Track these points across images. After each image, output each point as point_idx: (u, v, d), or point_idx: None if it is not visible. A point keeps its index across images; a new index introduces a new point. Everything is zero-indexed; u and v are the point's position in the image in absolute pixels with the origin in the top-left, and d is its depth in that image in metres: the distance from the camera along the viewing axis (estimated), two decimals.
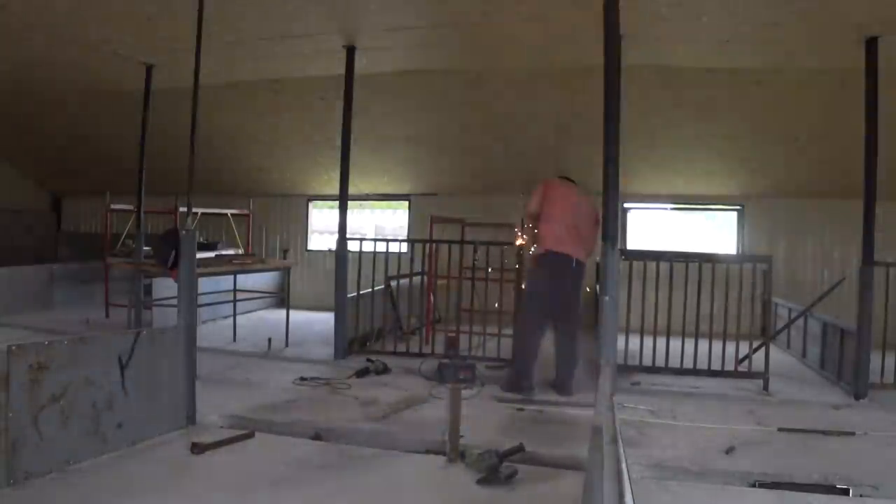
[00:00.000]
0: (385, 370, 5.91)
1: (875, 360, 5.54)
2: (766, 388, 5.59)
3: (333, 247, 7.01)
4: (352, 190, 6.99)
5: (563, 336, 5.54)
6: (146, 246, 7.83)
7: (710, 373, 5.87)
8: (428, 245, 7.62)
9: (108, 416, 3.67)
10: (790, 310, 7.28)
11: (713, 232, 9.66)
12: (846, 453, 3.97)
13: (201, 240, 8.59)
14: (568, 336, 5.53)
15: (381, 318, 7.08)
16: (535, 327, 5.51)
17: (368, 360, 6.14)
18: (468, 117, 8.58)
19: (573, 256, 5.45)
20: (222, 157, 9.83)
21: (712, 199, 9.24)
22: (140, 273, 7.18)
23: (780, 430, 4.39)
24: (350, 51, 6.69)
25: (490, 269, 6.74)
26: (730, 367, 5.95)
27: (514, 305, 6.41)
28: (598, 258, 5.39)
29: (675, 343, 5.89)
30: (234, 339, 7.38)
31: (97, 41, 6.74)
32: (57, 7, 5.86)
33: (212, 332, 7.64)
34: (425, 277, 7.86)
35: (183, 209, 6.21)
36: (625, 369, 5.87)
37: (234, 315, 7.83)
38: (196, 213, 5.29)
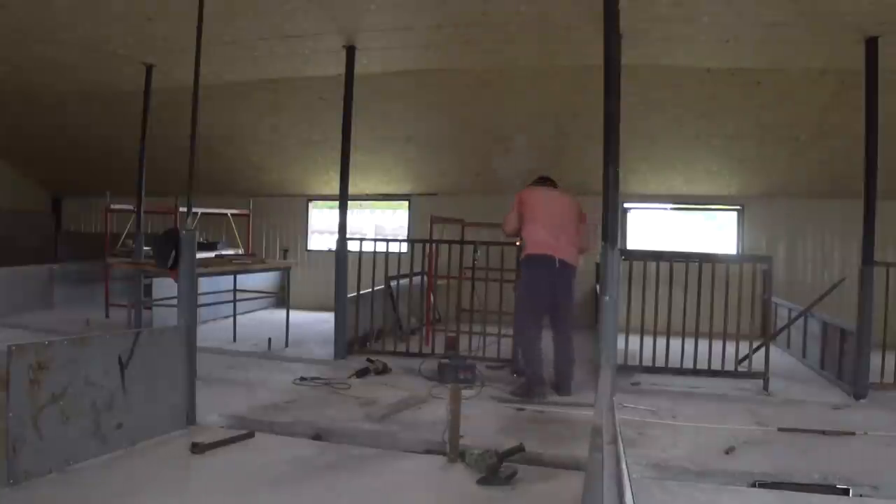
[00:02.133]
0: (385, 370, 5.91)
1: (875, 360, 5.53)
2: (766, 388, 5.59)
3: (333, 247, 7.01)
4: (352, 190, 6.99)
5: (559, 335, 5.54)
6: (146, 246, 7.83)
7: (710, 373, 5.87)
8: (428, 245, 7.62)
9: (108, 416, 3.67)
10: (790, 310, 7.28)
11: (713, 232, 9.66)
12: (846, 453, 3.97)
13: (201, 240, 8.61)
14: (563, 335, 5.53)
15: (381, 318, 7.08)
16: (531, 330, 5.49)
17: (368, 360, 6.14)
18: (468, 117, 8.58)
19: (555, 257, 5.41)
20: (222, 157, 9.84)
21: (712, 199, 9.24)
22: (140, 273, 7.19)
23: (780, 430, 4.39)
24: (350, 51, 6.69)
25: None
26: (730, 367, 5.94)
27: (515, 306, 6.41)
28: (597, 258, 5.38)
29: (675, 343, 5.89)
30: (234, 339, 7.38)
31: (97, 41, 6.74)
32: (57, 7, 5.87)
33: (212, 332, 7.63)
34: (425, 277, 7.86)
35: (183, 209, 6.22)
36: (625, 369, 5.87)
37: (234, 315, 7.83)
38: (196, 213, 5.30)
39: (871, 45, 5.62)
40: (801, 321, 6.95)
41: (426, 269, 7.78)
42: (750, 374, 5.79)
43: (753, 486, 3.52)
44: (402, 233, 10.53)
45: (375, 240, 7.25)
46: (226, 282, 8.03)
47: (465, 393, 4.51)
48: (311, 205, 11.03)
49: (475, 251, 6.71)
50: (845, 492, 3.46)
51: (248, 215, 10.21)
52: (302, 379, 5.53)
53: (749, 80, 7.13)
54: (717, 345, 6.02)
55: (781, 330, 7.35)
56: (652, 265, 6.06)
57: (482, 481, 3.46)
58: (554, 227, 5.49)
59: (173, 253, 5.28)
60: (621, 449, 2.25)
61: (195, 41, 4.52)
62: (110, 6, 5.82)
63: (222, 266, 7.21)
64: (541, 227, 5.47)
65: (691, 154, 8.50)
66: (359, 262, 6.73)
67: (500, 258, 6.89)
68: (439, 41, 6.57)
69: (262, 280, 9.75)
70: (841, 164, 7.68)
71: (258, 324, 8.50)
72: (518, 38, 6.39)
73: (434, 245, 7.49)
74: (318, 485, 3.43)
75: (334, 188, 7.27)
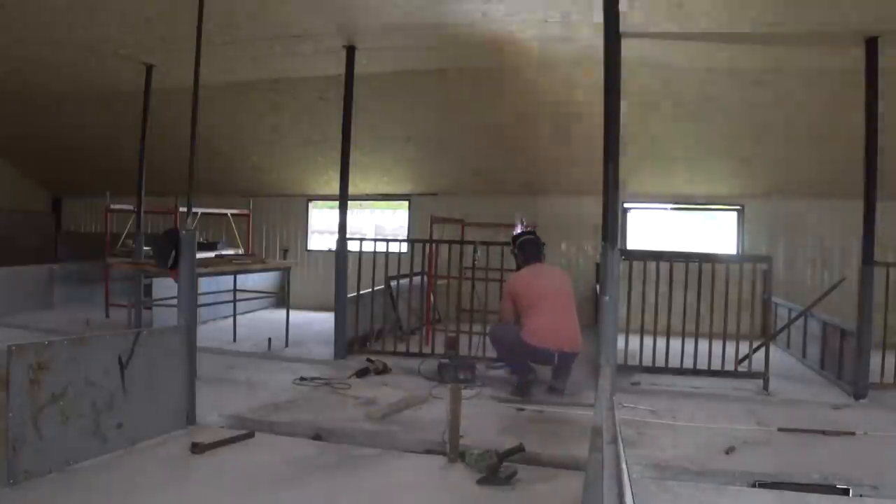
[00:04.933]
0: (385, 370, 5.90)
1: (875, 360, 5.53)
2: (766, 388, 5.59)
3: (333, 247, 7.01)
4: (352, 190, 6.99)
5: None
6: (146, 246, 7.83)
7: (710, 373, 5.88)
8: (428, 245, 7.61)
9: (108, 416, 3.67)
10: (790, 310, 7.27)
11: (713, 232, 9.66)
12: (846, 453, 3.97)
13: (201, 240, 8.61)
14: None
15: (381, 318, 7.08)
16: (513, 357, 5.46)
17: (368, 360, 6.14)
18: (468, 117, 8.57)
19: (554, 353, 5.27)
20: (222, 157, 9.83)
21: (712, 199, 9.24)
22: (140, 273, 7.19)
23: (780, 430, 4.39)
24: (350, 51, 6.69)
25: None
26: (730, 367, 5.95)
27: (498, 334, 6.27)
28: (597, 258, 5.38)
29: (675, 343, 5.90)
30: (234, 339, 7.38)
31: (97, 41, 6.74)
32: (56, 7, 5.86)
33: (212, 332, 7.63)
34: (425, 277, 7.86)
35: (183, 209, 6.22)
36: (625, 369, 5.87)
37: (234, 315, 7.82)
38: (196, 213, 5.30)
39: (871, 45, 5.61)
40: (801, 321, 6.95)
41: (426, 269, 7.78)
42: (750, 374, 5.79)
43: (753, 486, 3.52)
44: (402, 233, 10.53)
45: (375, 240, 7.25)
46: (226, 282, 8.03)
47: (465, 393, 4.51)
48: (311, 205, 11.03)
49: (475, 251, 6.71)
50: (845, 492, 3.46)
51: (248, 215, 10.21)
52: (302, 379, 5.53)
53: (749, 80, 7.13)
54: (717, 345, 6.02)
55: (781, 330, 7.34)
56: (652, 265, 6.06)
57: (482, 481, 3.46)
58: (553, 311, 5.33)
59: (173, 253, 5.29)
60: (621, 449, 2.26)
61: (195, 41, 4.52)
62: (110, 6, 5.82)
63: (222, 266, 7.21)
64: (540, 316, 5.29)
65: (691, 154, 8.50)
66: (359, 262, 6.72)
67: (500, 258, 6.89)
68: (439, 41, 6.57)
69: (262, 280, 9.75)
70: (841, 164, 7.67)
71: (258, 324, 8.50)
72: (518, 38, 6.38)
73: (434, 245, 7.49)
74: (318, 485, 3.43)
75: (334, 188, 7.26)
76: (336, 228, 6.90)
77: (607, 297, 4.63)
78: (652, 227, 9.69)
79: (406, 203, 10.50)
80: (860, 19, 5.34)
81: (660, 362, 6.00)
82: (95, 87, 8.52)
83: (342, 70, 6.76)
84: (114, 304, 8.59)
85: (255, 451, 3.89)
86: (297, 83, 8.27)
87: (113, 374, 3.73)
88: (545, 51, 6.75)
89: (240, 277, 8.07)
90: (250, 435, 4.08)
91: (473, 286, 6.96)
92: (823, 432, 4.33)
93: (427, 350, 6.75)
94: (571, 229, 9.40)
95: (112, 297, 8.74)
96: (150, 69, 7.56)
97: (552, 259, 6.20)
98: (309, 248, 11.01)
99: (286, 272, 8.16)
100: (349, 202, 6.91)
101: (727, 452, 3.92)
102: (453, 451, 3.76)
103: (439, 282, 7.81)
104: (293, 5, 5.76)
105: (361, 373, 5.77)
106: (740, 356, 5.92)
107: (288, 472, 3.57)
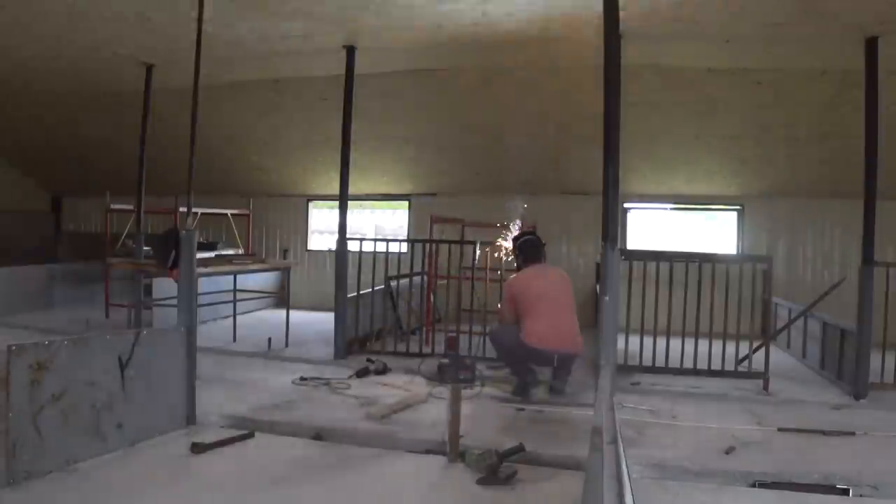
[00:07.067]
0: (385, 370, 5.90)
1: (875, 360, 5.54)
2: (766, 388, 5.59)
3: (333, 247, 7.01)
4: (352, 190, 6.99)
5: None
6: (146, 246, 7.83)
7: (710, 373, 5.88)
8: (428, 245, 7.62)
9: (108, 416, 3.67)
10: (790, 310, 7.28)
11: (713, 232, 9.66)
12: (846, 453, 3.96)
13: (201, 240, 8.60)
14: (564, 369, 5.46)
15: (381, 318, 7.08)
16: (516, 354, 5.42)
17: (368, 360, 6.14)
18: (468, 117, 8.58)
19: (554, 355, 5.23)
20: (222, 157, 9.84)
21: (712, 199, 9.25)
22: (140, 273, 7.18)
23: (780, 430, 4.39)
24: (350, 51, 6.70)
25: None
26: (730, 367, 5.95)
27: (499, 336, 6.19)
28: (598, 258, 5.37)
29: (675, 343, 5.90)
30: (234, 339, 7.38)
31: (97, 41, 6.74)
32: (57, 7, 5.87)
33: (212, 332, 7.63)
34: (425, 277, 7.86)
35: (183, 209, 6.22)
36: (625, 369, 5.87)
37: (234, 315, 7.83)
38: (196, 213, 5.29)
39: (871, 45, 5.62)
40: (801, 321, 6.95)
41: (426, 269, 7.78)
42: (750, 374, 5.79)
43: (753, 486, 3.52)
44: (402, 233, 10.53)
45: (375, 240, 7.25)
46: (226, 282, 8.03)
47: (465, 393, 4.51)
48: (311, 205, 11.03)
49: (475, 251, 6.72)
50: (845, 492, 3.46)
51: (248, 215, 10.21)
52: (302, 379, 5.53)
53: (749, 80, 7.14)
54: (717, 345, 6.02)
55: (781, 330, 7.35)
56: (652, 265, 6.06)
57: (482, 481, 3.46)
58: (552, 312, 5.27)
59: (173, 253, 5.28)
60: (621, 449, 2.26)
61: (195, 41, 4.52)
62: (110, 6, 5.82)
63: (222, 266, 7.21)
64: (539, 319, 5.24)
65: (691, 154, 8.50)
66: (359, 262, 6.73)
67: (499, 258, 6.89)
68: (439, 41, 6.57)
69: (262, 280, 9.75)
70: (841, 164, 7.68)
71: (258, 324, 8.49)
72: (518, 38, 6.38)
73: (434, 245, 7.49)
74: (318, 485, 3.43)
75: (334, 188, 7.26)
76: (336, 228, 6.90)
77: (607, 297, 4.63)
78: (652, 227, 9.69)
79: (406, 203, 10.50)
80: (860, 19, 5.34)
81: (660, 362, 6.00)
82: (96, 87, 8.52)
83: (342, 70, 6.76)
84: (114, 304, 8.59)
85: (255, 451, 3.89)
86: (297, 83, 8.27)
87: (113, 374, 3.73)
88: (545, 51, 6.75)
89: (240, 277, 8.07)
90: (250, 435, 4.08)
91: (473, 286, 6.96)
92: (823, 432, 4.33)
93: (427, 350, 6.75)
94: (571, 229, 9.40)
95: (112, 297, 8.74)
96: (150, 69, 7.56)
97: (552, 259, 6.19)
98: (309, 248, 11.01)
99: (286, 272, 8.16)
100: (349, 202, 6.92)
101: (727, 452, 3.92)
102: (453, 451, 3.76)
103: (439, 282, 7.81)
104: (293, 5, 5.76)
105: (361, 373, 5.77)
106: (740, 356, 5.93)
107: (288, 472, 3.57)
